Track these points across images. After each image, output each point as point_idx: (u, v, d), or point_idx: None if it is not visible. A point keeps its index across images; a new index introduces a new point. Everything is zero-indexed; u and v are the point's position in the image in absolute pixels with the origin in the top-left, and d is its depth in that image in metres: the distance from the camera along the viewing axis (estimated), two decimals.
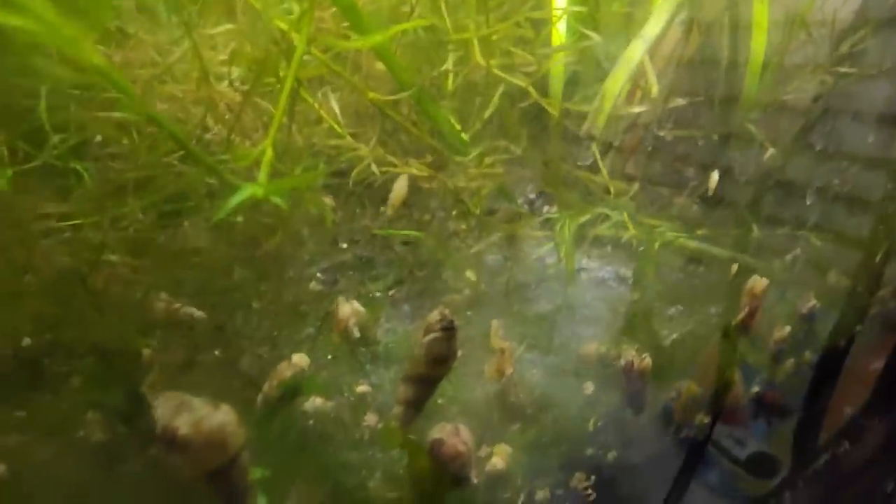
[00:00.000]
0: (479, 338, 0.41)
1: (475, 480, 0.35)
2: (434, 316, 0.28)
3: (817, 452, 0.84)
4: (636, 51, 0.37)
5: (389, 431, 0.32)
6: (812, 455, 0.83)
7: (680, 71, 0.61)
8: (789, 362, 0.59)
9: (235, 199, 0.30)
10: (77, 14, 0.23)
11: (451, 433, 0.32)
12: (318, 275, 0.51)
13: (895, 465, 0.98)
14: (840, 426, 0.91)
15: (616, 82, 0.38)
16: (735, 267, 0.49)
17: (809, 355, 0.62)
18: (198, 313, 0.44)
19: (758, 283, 0.47)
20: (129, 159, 0.43)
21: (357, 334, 0.45)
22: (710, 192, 0.45)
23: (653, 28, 0.36)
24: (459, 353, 0.30)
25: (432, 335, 0.28)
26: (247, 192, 0.31)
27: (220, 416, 0.22)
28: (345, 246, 0.52)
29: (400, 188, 0.33)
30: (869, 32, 0.61)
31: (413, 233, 0.40)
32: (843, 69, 0.58)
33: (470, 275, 0.39)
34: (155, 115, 0.28)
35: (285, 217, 0.46)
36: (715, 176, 0.44)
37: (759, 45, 0.61)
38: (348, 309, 0.33)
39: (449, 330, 0.28)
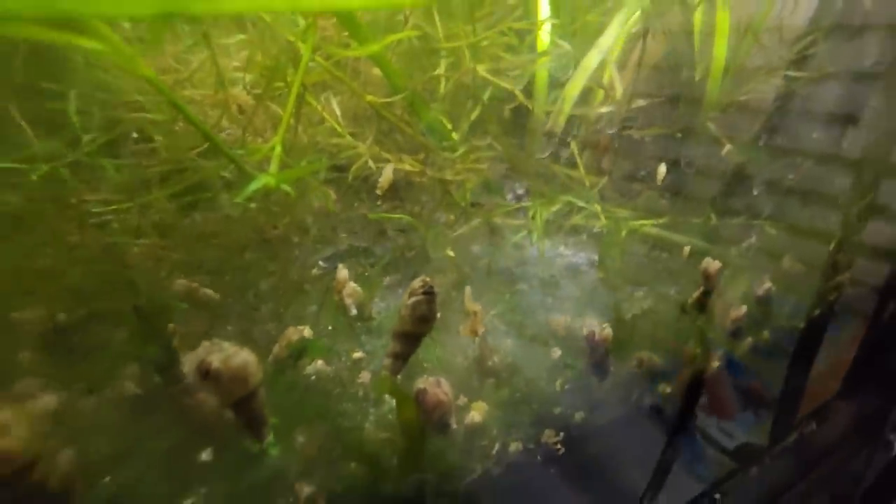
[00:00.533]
0: (460, 314, 0.47)
1: (454, 426, 0.41)
2: (417, 282, 0.34)
3: (787, 431, 0.90)
4: (592, 59, 0.43)
5: (381, 380, 0.38)
6: (781, 434, 0.89)
7: (649, 75, 0.67)
8: (748, 340, 0.65)
9: (252, 186, 0.36)
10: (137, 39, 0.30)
11: (434, 384, 0.38)
12: (321, 262, 0.58)
13: (865, 446, 1.04)
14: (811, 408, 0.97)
15: (575, 86, 0.44)
16: (687, 249, 0.55)
17: (767, 335, 0.68)
18: (212, 293, 0.50)
19: (711, 264, 0.53)
20: (157, 156, 0.49)
21: (354, 311, 0.51)
22: (660, 182, 0.51)
23: (607, 39, 0.42)
24: (439, 315, 0.35)
25: (415, 298, 0.34)
26: (261, 180, 0.38)
27: (243, 356, 0.28)
28: (344, 235, 0.59)
29: (387, 172, 0.39)
30: (820, 38, 0.67)
31: (404, 216, 0.46)
32: (792, 73, 0.64)
33: (451, 254, 0.45)
34: (192, 116, 0.34)
35: (292, 205, 0.52)
36: (662, 168, 0.50)
37: (720, 51, 0.67)
38: (345, 273, 0.39)
39: (429, 294, 0.34)
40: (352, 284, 0.50)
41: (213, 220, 0.50)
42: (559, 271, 0.56)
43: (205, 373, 0.28)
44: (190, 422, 0.38)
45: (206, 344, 0.29)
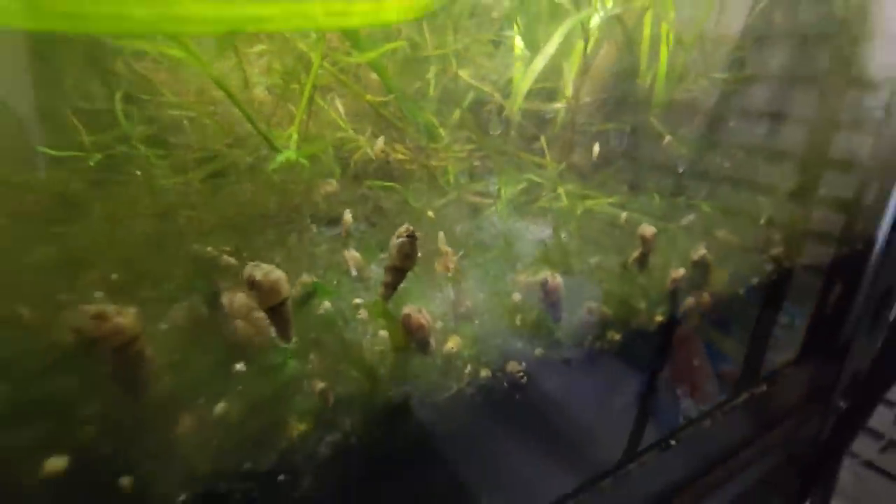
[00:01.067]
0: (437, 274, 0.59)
1: (433, 346, 0.53)
2: (402, 228, 0.46)
3: (738, 391, 1.01)
4: (538, 63, 0.56)
5: (376, 304, 0.50)
6: (733, 394, 1.00)
7: (606, 79, 0.80)
8: (689, 300, 0.77)
9: (279, 158, 0.48)
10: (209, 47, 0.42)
11: (416, 310, 0.50)
12: (325, 231, 0.70)
13: (817, 411, 1.15)
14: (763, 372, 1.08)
15: (525, 83, 0.57)
16: (624, 215, 0.67)
17: (707, 297, 0.79)
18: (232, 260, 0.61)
19: (647, 229, 0.65)
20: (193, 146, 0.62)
21: (355, 272, 0.63)
22: (595, 158, 0.63)
23: (551, 47, 0.55)
24: (420, 255, 0.48)
25: (401, 239, 0.46)
26: (285, 154, 0.50)
27: (278, 273, 0.40)
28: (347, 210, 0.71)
29: (379, 142, 0.51)
30: (748, 46, 0.80)
31: (393, 184, 0.58)
32: (719, 75, 0.77)
33: (431, 214, 0.57)
34: (242, 107, 0.47)
35: (306, 183, 0.64)
36: (596, 147, 0.63)
37: (664, 57, 0.80)
38: (349, 217, 0.51)
39: (411, 236, 0.46)
40: (353, 251, 0.62)
41: (240, 197, 0.62)
42: (527, 242, 0.68)
43: (250, 283, 0.40)
44: (228, 342, 0.50)
45: (251, 264, 0.41)
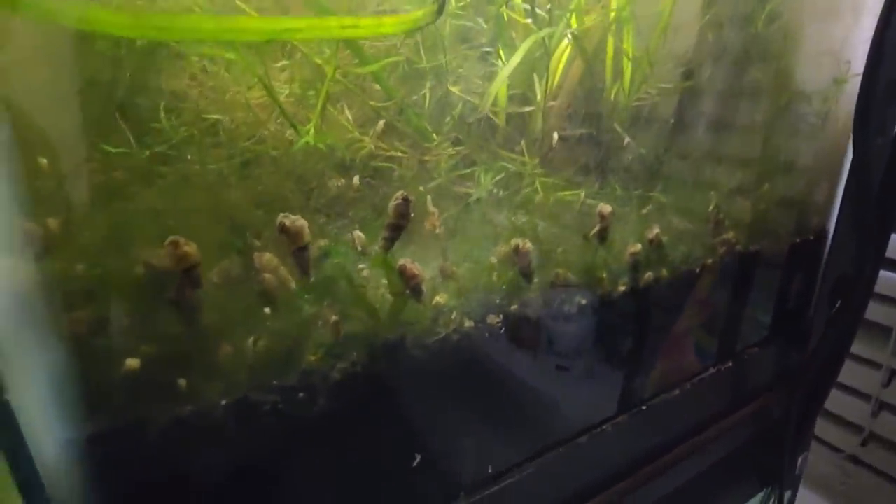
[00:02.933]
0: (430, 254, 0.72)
1: (425, 293, 0.65)
2: (398, 193, 0.59)
3: (705, 368, 1.11)
4: (504, 73, 0.70)
5: (376, 256, 0.62)
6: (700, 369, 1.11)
7: (574, 89, 0.95)
8: (648, 274, 0.89)
9: (301, 141, 0.62)
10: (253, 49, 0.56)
11: (410, 262, 0.63)
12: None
13: (786, 391, 1.25)
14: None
15: (493, 90, 0.71)
16: (582, 194, 0.80)
17: (665, 272, 0.92)
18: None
19: (604, 207, 0.78)
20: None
21: (360, 248, 0.76)
22: (554, 144, 0.76)
23: (515, 59, 0.69)
24: (413, 214, 0.60)
25: (397, 201, 0.59)
26: (306, 138, 0.63)
27: (302, 221, 0.53)
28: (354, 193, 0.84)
29: (380, 124, 0.64)
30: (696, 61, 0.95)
31: (390, 165, 0.71)
32: (666, 84, 0.92)
33: (422, 189, 0.70)
34: (279, 102, 0.61)
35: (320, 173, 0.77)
36: (556, 135, 0.76)
37: (627, 71, 0.95)
38: (357, 180, 0.64)
39: (406, 199, 0.59)
40: (358, 232, 0.75)
41: (267, 182, 0.75)
42: (501, 225, 0.81)
43: (281, 228, 0.53)
44: (258, 292, 0.62)
45: (282, 214, 0.54)
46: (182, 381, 0.53)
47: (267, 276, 0.64)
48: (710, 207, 0.93)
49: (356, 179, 0.65)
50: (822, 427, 1.82)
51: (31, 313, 0.47)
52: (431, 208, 0.65)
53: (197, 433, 0.54)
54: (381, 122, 0.66)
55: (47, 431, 0.47)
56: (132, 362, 0.51)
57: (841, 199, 1.16)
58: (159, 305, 0.54)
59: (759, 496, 1.31)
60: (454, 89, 0.88)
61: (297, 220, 0.53)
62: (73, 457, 0.47)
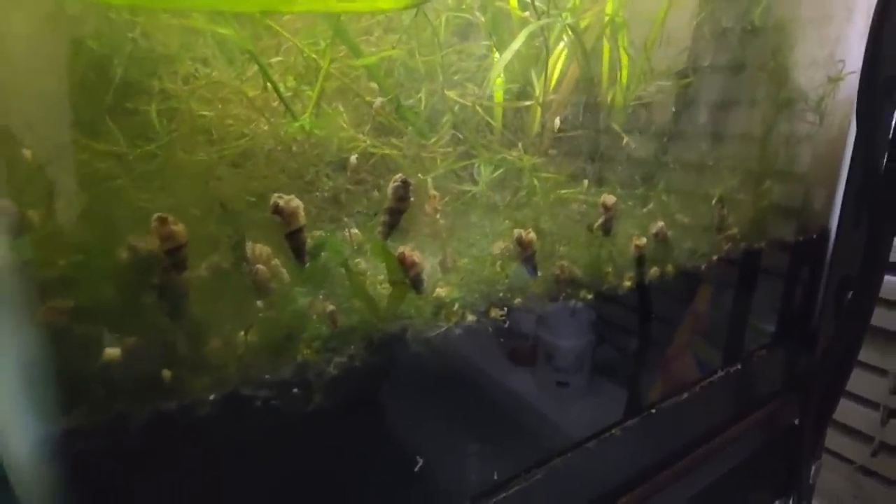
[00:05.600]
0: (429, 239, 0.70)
1: (426, 282, 0.62)
2: (397, 176, 0.57)
3: (713, 371, 1.08)
4: (498, 68, 0.69)
5: (375, 243, 0.59)
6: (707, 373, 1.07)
7: (573, 87, 0.94)
8: (654, 269, 0.86)
9: (296, 124, 0.60)
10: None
11: (410, 250, 0.60)
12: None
13: (796, 396, 1.21)
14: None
15: (493, 74, 0.70)
16: (585, 182, 0.78)
17: (671, 268, 0.89)
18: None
19: (608, 198, 0.76)
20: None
21: (355, 247, 0.73)
22: (556, 130, 0.75)
23: (517, 43, 0.68)
24: (412, 200, 0.58)
25: (395, 184, 0.56)
26: (300, 122, 0.61)
27: (297, 202, 0.51)
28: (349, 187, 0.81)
29: (377, 102, 0.62)
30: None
31: (390, 151, 0.69)
32: (663, 82, 0.92)
33: (421, 175, 0.68)
34: (271, 78, 0.59)
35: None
36: (557, 120, 0.75)
37: (624, 68, 0.95)
38: (355, 160, 0.61)
39: (405, 182, 0.56)
40: (354, 230, 0.72)
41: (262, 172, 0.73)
42: (503, 213, 0.79)
43: (275, 209, 0.50)
44: (250, 283, 0.59)
45: (275, 195, 0.51)
46: (166, 373, 0.49)
47: (260, 267, 0.61)
48: (714, 201, 0.91)
49: (353, 159, 0.62)
50: (829, 437, 1.77)
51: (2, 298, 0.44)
52: (432, 191, 0.62)
53: (183, 430, 0.50)
54: (379, 100, 0.64)
55: (17, 427, 0.43)
56: (112, 353, 0.47)
57: (843, 197, 1.15)
58: (143, 292, 0.50)
59: None
60: (454, 82, 0.86)
61: (291, 201, 0.51)
62: (46, 455, 0.43)
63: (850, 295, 1.11)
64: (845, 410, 1.72)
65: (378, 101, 0.63)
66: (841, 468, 1.78)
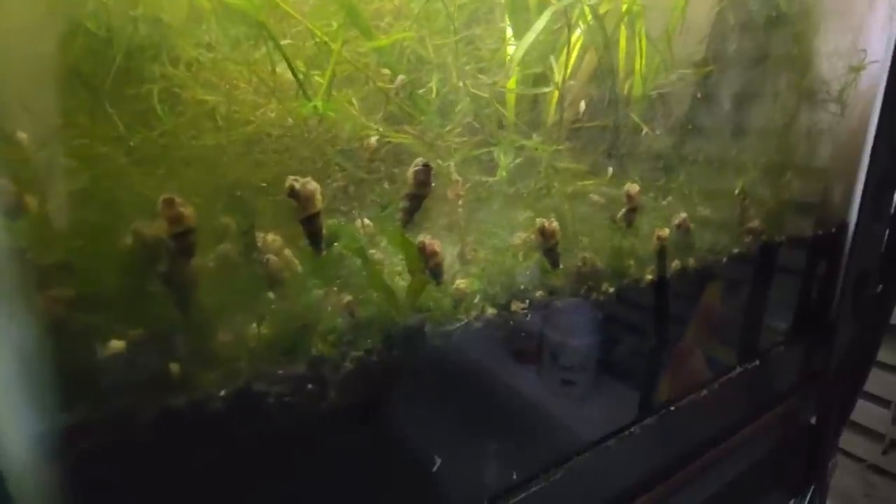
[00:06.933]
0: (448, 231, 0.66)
1: (445, 274, 0.59)
2: (418, 160, 0.54)
3: (728, 368, 1.05)
4: (528, 38, 0.66)
5: (394, 230, 0.56)
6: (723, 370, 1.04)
7: (589, 80, 0.91)
8: (675, 263, 0.83)
9: (309, 105, 0.56)
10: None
11: (430, 239, 0.57)
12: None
13: (812, 392, 1.19)
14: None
15: (518, 52, 0.67)
16: (610, 171, 0.75)
17: (693, 262, 0.86)
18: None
19: (632, 187, 0.73)
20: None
21: (368, 238, 0.70)
22: (582, 112, 0.72)
23: (540, 23, 0.65)
24: (434, 184, 0.55)
25: (416, 168, 0.53)
26: (312, 103, 0.58)
27: (314, 185, 0.47)
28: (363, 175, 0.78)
29: (399, 79, 0.59)
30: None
31: (403, 138, 0.66)
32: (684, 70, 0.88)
33: (440, 162, 0.65)
34: (285, 53, 0.55)
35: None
36: (582, 104, 0.72)
37: (641, 59, 0.91)
38: (374, 141, 0.58)
39: (426, 166, 0.53)
40: (366, 220, 0.69)
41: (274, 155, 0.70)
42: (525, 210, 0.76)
43: (291, 192, 0.47)
44: (262, 273, 0.56)
45: (291, 177, 0.48)
46: (174, 367, 0.46)
47: (272, 258, 0.58)
48: (737, 192, 0.88)
49: (373, 140, 0.59)
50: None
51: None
52: (455, 176, 0.59)
53: (191, 427, 0.47)
54: (400, 77, 0.61)
55: (15, 423, 0.40)
56: (116, 344, 0.44)
57: (862, 190, 1.12)
58: (148, 280, 0.47)
59: None
60: (468, 69, 0.83)
61: (308, 183, 0.47)
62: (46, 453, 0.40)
63: (876, 289, 1.08)
64: (856, 408, 1.70)
65: (399, 78, 0.60)
66: (852, 466, 1.76)
